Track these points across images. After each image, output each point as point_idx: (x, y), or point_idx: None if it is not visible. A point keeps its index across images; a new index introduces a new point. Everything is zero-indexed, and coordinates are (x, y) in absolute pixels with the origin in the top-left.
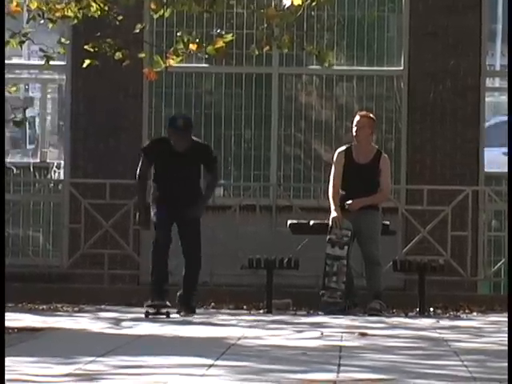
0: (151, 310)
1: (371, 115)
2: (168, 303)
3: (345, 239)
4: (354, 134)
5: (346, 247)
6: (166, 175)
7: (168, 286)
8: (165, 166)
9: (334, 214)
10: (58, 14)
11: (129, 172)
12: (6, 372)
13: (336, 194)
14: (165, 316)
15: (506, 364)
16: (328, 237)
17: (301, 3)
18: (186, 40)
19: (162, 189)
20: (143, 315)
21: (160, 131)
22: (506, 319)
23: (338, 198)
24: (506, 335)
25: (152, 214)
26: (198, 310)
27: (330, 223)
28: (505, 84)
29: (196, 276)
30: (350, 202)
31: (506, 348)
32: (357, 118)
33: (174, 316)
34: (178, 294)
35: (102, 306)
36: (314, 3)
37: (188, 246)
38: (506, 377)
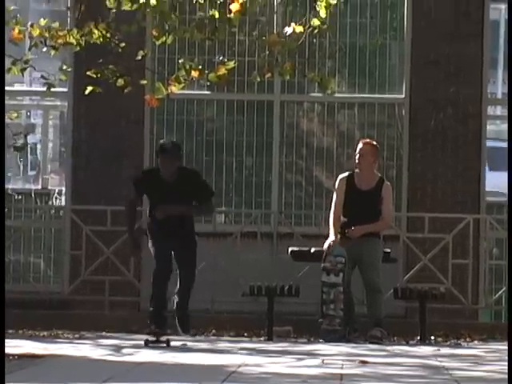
0: (151, 338)
1: (374, 143)
2: (168, 331)
3: (339, 266)
4: (357, 161)
5: (341, 274)
6: (160, 204)
7: (167, 314)
8: (156, 198)
9: (330, 238)
10: (60, 41)
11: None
12: None
13: (337, 221)
14: (165, 344)
15: None
16: (322, 265)
17: (302, 30)
18: (187, 67)
19: (156, 221)
20: (143, 343)
21: None
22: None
23: (338, 224)
24: (507, 364)
25: (150, 244)
26: (198, 337)
27: (325, 248)
28: (506, 112)
29: (188, 291)
30: (351, 228)
31: (507, 376)
32: (360, 145)
33: (174, 344)
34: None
35: (103, 333)
36: (315, 31)
37: (183, 268)
38: None
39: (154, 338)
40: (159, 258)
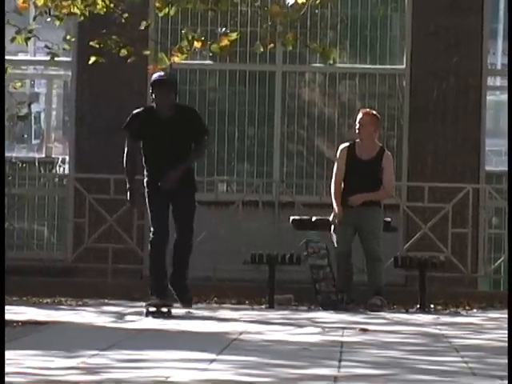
0: (151, 309)
1: (374, 112)
2: (169, 301)
3: (322, 251)
4: (357, 131)
5: (325, 258)
6: (154, 150)
7: (168, 282)
8: (152, 139)
9: (336, 212)
10: (64, 11)
11: None
12: (9, 365)
13: (338, 191)
14: (166, 315)
15: (506, 360)
16: (305, 252)
17: (305, 1)
18: (190, 37)
19: (153, 168)
20: (144, 313)
21: None
22: (506, 316)
23: (340, 194)
24: (506, 332)
25: (147, 201)
26: (200, 305)
27: (331, 220)
28: (505, 83)
29: (187, 257)
30: (352, 197)
31: (506, 345)
32: (360, 115)
33: (178, 311)
34: (170, 277)
35: (106, 300)
36: (317, 1)
37: (179, 224)
38: (506, 373)
39: (154, 309)
40: (155, 224)
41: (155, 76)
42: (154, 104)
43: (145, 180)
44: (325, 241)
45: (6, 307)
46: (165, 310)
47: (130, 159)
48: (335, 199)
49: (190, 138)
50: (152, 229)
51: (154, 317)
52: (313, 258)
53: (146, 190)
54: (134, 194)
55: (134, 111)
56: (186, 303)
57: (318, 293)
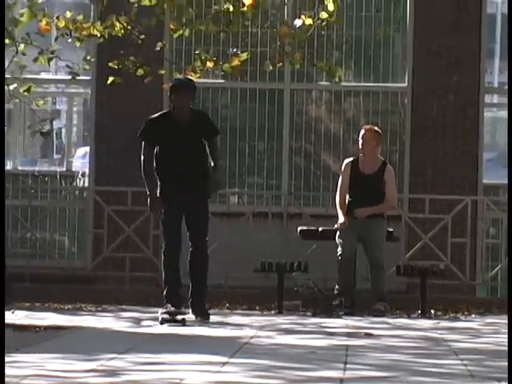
0: (166, 317)
1: (376, 128)
2: (183, 310)
3: (310, 285)
4: (361, 146)
5: (315, 288)
6: (169, 153)
7: (182, 291)
8: (167, 143)
9: (341, 220)
10: (84, 33)
11: None
12: (31, 368)
13: (343, 203)
14: (181, 324)
15: (503, 363)
16: (295, 288)
17: (312, 23)
18: (203, 58)
19: (167, 175)
20: (159, 322)
21: None
22: (504, 321)
23: (344, 206)
24: (504, 336)
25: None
26: (213, 311)
27: (336, 227)
28: (502, 100)
29: (204, 268)
30: (358, 209)
31: (504, 348)
32: (362, 131)
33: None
34: (189, 292)
35: (124, 306)
36: (323, 23)
37: (194, 233)
38: (504, 375)
39: (169, 317)
40: (167, 234)
41: (175, 80)
42: (170, 108)
43: (158, 189)
44: (311, 279)
45: (29, 313)
46: (179, 317)
47: (148, 165)
48: (340, 209)
49: (203, 141)
50: (164, 239)
51: (169, 325)
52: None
53: (160, 194)
54: (153, 199)
55: (149, 117)
56: (204, 317)
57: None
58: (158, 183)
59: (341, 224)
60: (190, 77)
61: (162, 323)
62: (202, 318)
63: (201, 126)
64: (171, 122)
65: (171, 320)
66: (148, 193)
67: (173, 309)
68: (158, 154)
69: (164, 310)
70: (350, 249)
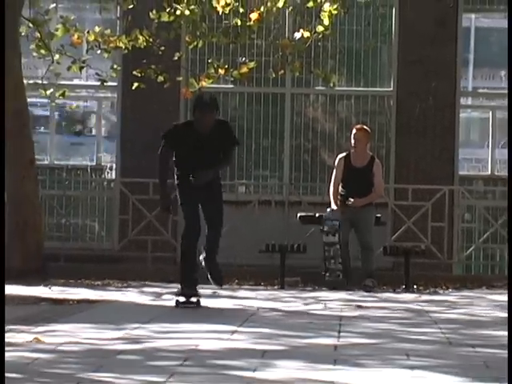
0: (181, 299)
1: (366, 128)
2: (198, 292)
3: (335, 227)
4: (353, 143)
5: (336, 234)
6: (187, 157)
7: (198, 275)
8: (186, 149)
9: (333, 207)
10: (111, 45)
11: None
12: (67, 336)
13: (336, 192)
14: (195, 305)
15: (477, 331)
16: (322, 227)
17: (309, 35)
18: (215, 66)
19: (185, 169)
20: (174, 304)
21: None
22: (477, 294)
23: (337, 195)
24: (477, 307)
25: (179, 199)
26: (224, 286)
27: (326, 214)
28: (476, 102)
29: (217, 243)
30: (352, 200)
31: (477, 318)
32: (354, 130)
33: (205, 292)
34: (202, 258)
35: (146, 282)
36: (319, 36)
37: (212, 220)
38: (477, 342)
39: (184, 299)
40: (189, 219)
41: (200, 99)
42: (194, 120)
43: (176, 181)
44: (339, 219)
45: (64, 288)
46: (194, 300)
47: (163, 165)
48: (333, 198)
49: (221, 148)
50: (186, 223)
51: (184, 307)
52: (326, 234)
53: (179, 189)
54: (164, 198)
55: (175, 123)
56: (217, 282)
57: (327, 271)
58: (176, 176)
59: (332, 210)
60: (204, 82)
61: (177, 305)
62: (216, 283)
63: (222, 137)
64: (193, 131)
65: (186, 302)
66: (160, 191)
67: (188, 291)
68: (176, 155)
69: (179, 292)
70: (345, 234)
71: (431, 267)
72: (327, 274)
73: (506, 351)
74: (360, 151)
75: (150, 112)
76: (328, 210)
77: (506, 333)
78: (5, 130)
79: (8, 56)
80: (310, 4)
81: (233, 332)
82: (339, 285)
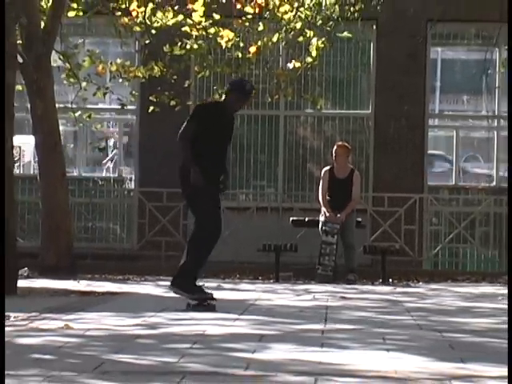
0: (194, 302)
1: (346, 144)
2: (213, 295)
3: (335, 231)
4: (334, 158)
5: (335, 236)
6: (215, 145)
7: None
8: (216, 133)
9: (328, 212)
10: (131, 75)
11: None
12: (93, 323)
13: (325, 200)
14: (211, 308)
15: (444, 318)
16: (324, 228)
17: (300, 66)
18: (220, 92)
19: (210, 164)
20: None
21: None
22: (443, 287)
23: (326, 202)
24: (444, 298)
25: (203, 201)
26: (227, 280)
27: (324, 219)
28: (442, 123)
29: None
30: (339, 216)
31: (444, 308)
32: (335, 147)
33: (210, 285)
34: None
35: (160, 277)
36: (309, 66)
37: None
38: (444, 327)
39: (196, 302)
40: (215, 220)
41: (248, 84)
42: (223, 101)
43: (200, 178)
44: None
45: (90, 282)
46: (212, 302)
47: (187, 141)
48: (325, 207)
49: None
50: (211, 223)
51: (197, 310)
52: (326, 234)
53: (204, 188)
54: (195, 170)
55: (208, 102)
56: (172, 284)
57: (320, 264)
58: (201, 168)
59: (329, 217)
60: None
61: (191, 309)
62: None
63: (233, 127)
64: (223, 114)
65: (199, 305)
66: (194, 169)
67: (203, 294)
68: (203, 141)
69: (193, 296)
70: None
71: (404, 264)
72: (320, 268)
73: (472, 336)
74: (341, 164)
75: (163, 132)
76: (322, 217)
77: (467, 320)
78: (40, 147)
79: (43, 83)
80: (300, 39)
81: (235, 319)
82: (328, 279)
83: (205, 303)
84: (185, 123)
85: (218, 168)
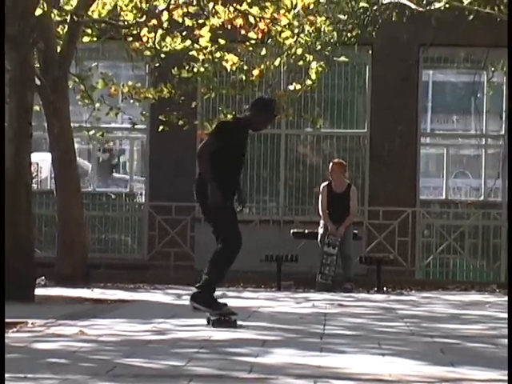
0: (215, 318)
1: (341, 161)
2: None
3: (337, 243)
4: (330, 174)
5: (336, 248)
6: (234, 161)
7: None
8: (235, 152)
9: (330, 226)
10: (141, 96)
11: (186, 197)
12: (106, 329)
13: (325, 213)
14: (233, 325)
15: (435, 325)
16: (327, 240)
17: (300, 88)
18: (225, 112)
19: (229, 182)
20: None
21: None
22: (434, 295)
23: (327, 215)
24: (435, 305)
25: (223, 212)
26: (231, 288)
27: (323, 231)
28: (433, 141)
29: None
30: (338, 231)
31: (435, 315)
32: (331, 164)
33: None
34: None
35: (169, 286)
36: (308, 88)
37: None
38: (435, 333)
39: (218, 317)
40: (237, 235)
41: (272, 101)
42: (246, 118)
43: (219, 197)
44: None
45: (103, 290)
46: (233, 318)
47: (208, 158)
48: (326, 220)
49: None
50: (233, 239)
51: (219, 326)
52: (328, 245)
53: (223, 207)
54: (216, 190)
55: (224, 121)
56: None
57: (320, 273)
58: (220, 184)
59: (331, 230)
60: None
61: (216, 325)
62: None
63: (247, 143)
64: (245, 132)
65: (221, 320)
66: (214, 185)
67: (225, 309)
68: (222, 156)
69: (217, 312)
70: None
71: (398, 273)
72: (321, 277)
73: (462, 341)
74: (337, 179)
75: (172, 149)
76: (322, 230)
77: (457, 326)
78: (56, 164)
79: (59, 104)
80: (301, 63)
81: (239, 326)
82: (328, 288)
83: (226, 318)
84: (207, 138)
85: (234, 183)
